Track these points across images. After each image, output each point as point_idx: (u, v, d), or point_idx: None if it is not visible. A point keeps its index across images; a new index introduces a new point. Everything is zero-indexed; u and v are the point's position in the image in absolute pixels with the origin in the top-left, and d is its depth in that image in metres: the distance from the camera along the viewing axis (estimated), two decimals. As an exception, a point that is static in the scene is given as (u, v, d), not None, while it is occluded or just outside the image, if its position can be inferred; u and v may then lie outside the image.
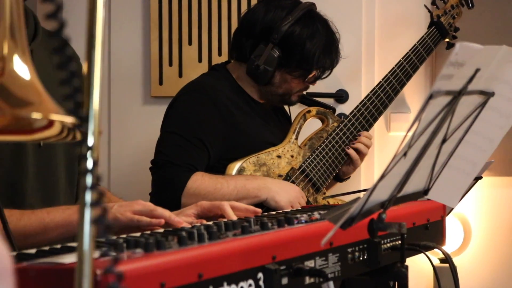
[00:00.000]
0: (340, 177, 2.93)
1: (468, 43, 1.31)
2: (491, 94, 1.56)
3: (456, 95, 1.41)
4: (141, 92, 3.64)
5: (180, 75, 3.61)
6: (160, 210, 1.77)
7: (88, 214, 0.86)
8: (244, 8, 3.51)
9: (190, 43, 3.60)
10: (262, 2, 2.81)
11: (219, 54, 3.58)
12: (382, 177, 1.33)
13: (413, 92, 3.52)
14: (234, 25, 3.55)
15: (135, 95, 3.64)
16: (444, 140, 1.52)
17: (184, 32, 3.60)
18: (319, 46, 2.71)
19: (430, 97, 1.28)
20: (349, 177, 2.98)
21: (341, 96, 3.47)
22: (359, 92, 3.53)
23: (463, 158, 1.65)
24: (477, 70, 1.42)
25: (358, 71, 3.53)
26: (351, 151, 2.83)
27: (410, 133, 1.35)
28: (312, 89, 2.95)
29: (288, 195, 2.60)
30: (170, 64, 3.61)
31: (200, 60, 3.60)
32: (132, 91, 3.63)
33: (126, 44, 3.63)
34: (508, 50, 1.50)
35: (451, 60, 1.28)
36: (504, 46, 1.47)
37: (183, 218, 1.81)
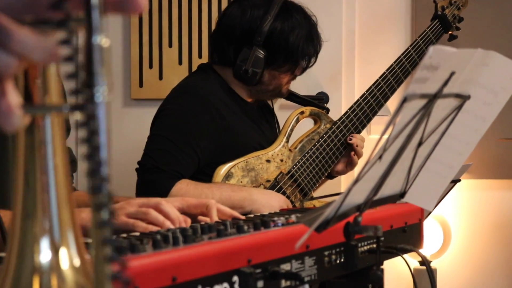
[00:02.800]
0: (332, 175, 2.92)
1: (442, 46, 1.31)
2: (467, 97, 1.56)
3: (432, 98, 1.41)
4: (121, 94, 3.63)
5: (160, 77, 3.61)
6: (154, 214, 1.74)
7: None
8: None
9: (170, 45, 3.60)
10: (235, 3, 2.78)
11: (200, 56, 3.58)
12: (357, 180, 1.33)
13: (395, 95, 3.53)
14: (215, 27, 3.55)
15: (115, 97, 3.63)
16: (420, 143, 1.52)
17: (164, 35, 3.60)
18: (301, 37, 2.71)
19: (404, 100, 1.28)
20: (337, 176, 2.97)
21: (321, 99, 3.47)
22: (339, 94, 3.53)
23: (439, 161, 1.65)
24: (452, 73, 1.42)
25: (338, 74, 3.53)
26: (355, 158, 2.83)
27: (386, 136, 1.35)
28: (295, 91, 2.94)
29: (273, 206, 2.59)
30: (150, 66, 3.61)
31: (180, 63, 3.59)
32: (112, 93, 3.62)
33: (106, 46, 3.62)
34: (483, 54, 1.50)
35: (424, 63, 1.28)
36: (479, 49, 1.48)
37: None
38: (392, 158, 1.44)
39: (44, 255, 0.70)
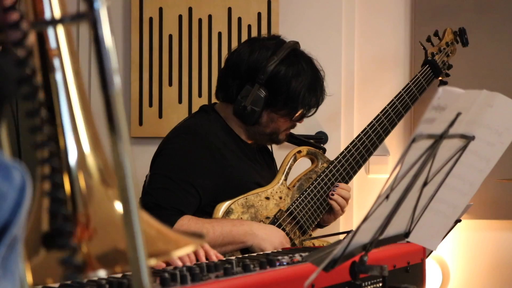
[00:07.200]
0: (320, 224, 2.91)
1: (450, 87, 1.32)
2: (472, 138, 1.57)
3: (438, 139, 1.43)
4: (120, 132, 3.63)
5: (160, 115, 3.61)
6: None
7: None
8: (225, 49, 3.53)
9: (170, 84, 3.61)
10: (247, 42, 2.81)
11: (199, 95, 3.60)
12: (365, 219, 1.33)
13: (391, 135, 3.53)
14: (215, 66, 3.57)
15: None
16: (425, 183, 1.53)
17: (164, 73, 3.61)
18: (304, 84, 2.71)
19: (413, 140, 1.29)
20: (328, 224, 2.96)
21: (321, 138, 3.48)
22: (338, 134, 3.54)
23: (443, 201, 1.66)
24: (458, 114, 1.43)
25: (337, 113, 3.55)
26: (333, 202, 2.81)
27: (392, 176, 1.35)
28: (292, 131, 2.95)
29: (274, 241, 2.60)
30: (150, 104, 3.62)
31: (180, 101, 3.61)
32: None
33: (106, 84, 3.63)
34: (487, 95, 1.52)
35: (433, 104, 1.30)
36: (484, 91, 1.49)
37: None
38: (399, 197, 1.45)
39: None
